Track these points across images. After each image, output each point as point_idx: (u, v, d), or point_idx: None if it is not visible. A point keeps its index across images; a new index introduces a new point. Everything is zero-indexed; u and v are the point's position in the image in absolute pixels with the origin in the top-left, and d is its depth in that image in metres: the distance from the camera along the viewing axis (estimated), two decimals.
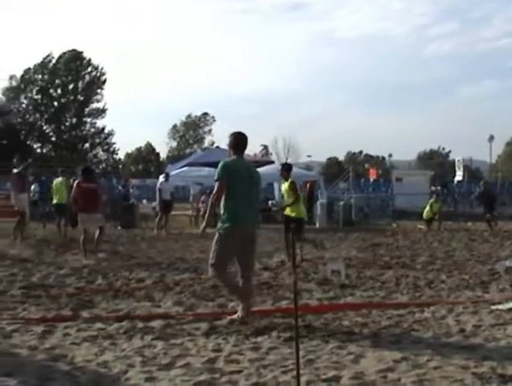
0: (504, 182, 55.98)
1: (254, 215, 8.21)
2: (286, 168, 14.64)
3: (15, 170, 18.78)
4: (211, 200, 8.10)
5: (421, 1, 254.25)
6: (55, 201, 20.93)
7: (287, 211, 14.17)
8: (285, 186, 14.26)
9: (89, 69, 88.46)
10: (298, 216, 13.97)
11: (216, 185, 7.93)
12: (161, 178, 26.26)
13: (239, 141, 8.21)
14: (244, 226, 7.95)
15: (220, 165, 7.99)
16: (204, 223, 8.80)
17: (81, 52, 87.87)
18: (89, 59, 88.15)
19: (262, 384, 5.45)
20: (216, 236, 7.99)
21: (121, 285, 10.69)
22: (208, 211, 8.46)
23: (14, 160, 19.86)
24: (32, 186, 26.81)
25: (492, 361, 6.07)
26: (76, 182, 15.22)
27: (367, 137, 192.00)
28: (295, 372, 5.25)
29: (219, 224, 8.00)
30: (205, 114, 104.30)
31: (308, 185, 30.76)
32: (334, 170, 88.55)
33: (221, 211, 8.00)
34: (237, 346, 6.70)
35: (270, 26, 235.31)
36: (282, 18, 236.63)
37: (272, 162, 44.53)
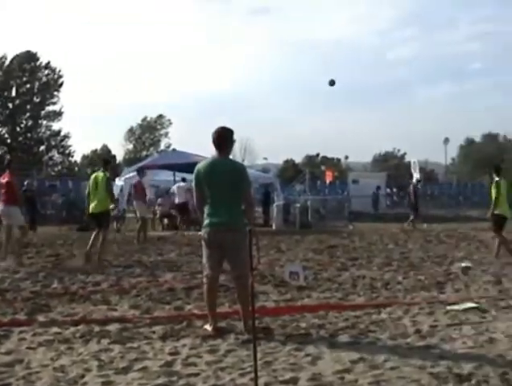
0: (459, 183, 56.93)
1: (228, 218, 7.38)
2: None
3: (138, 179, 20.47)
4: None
5: (385, 5, 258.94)
6: None
7: None
8: None
9: (46, 72, 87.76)
10: None
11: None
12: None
13: (214, 137, 7.47)
14: (212, 230, 7.39)
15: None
16: None
17: (35, 54, 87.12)
18: (48, 62, 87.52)
19: None
20: None
21: (77, 289, 10.59)
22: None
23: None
24: None
25: (448, 361, 6.13)
26: None
27: (324, 140, 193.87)
28: (252, 375, 5.24)
29: None
30: (161, 116, 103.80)
31: None
32: (291, 172, 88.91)
33: None
34: (194, 349, 6.67)
35: (231, 27, 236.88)
36: (246, 21, 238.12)
37: None
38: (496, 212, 15.10)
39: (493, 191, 15.20)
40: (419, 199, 30.46)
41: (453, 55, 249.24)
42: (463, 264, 12.71)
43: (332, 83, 21.33)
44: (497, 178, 15.38)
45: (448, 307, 8.82)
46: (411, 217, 28.32)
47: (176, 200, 25.63)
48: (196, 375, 5.75)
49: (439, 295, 10.03)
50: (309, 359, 6.26)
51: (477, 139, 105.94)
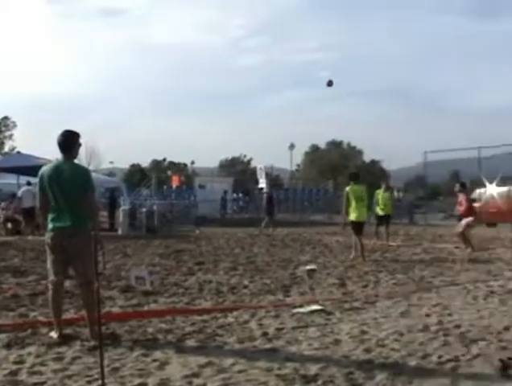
0: (304, 189, 58.28)
1: (72, 223, 7.21)
2: None
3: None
4: None
5: (237, 13, 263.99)
6: None
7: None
8: None
9: None
10: None
11: None
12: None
13: (59, 140, 7.33)
14: (56, 235, 7.26)
15: None
16: None
17: None
18: None
19: None
20: None
21: None
22: None
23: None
24: None
25: (294, 362, 6.24)
26: None
27: (171, 145, 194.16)
28: (100, 382, 5.18)
29: None
30: (5, 118, 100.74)
31: None
32: (137, 176, 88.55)
33: None
34: (39, 357, 6.47)
35: (80, 30, 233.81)
36: (97, 23, 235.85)
37: None
38: (350, 219, 16.07)
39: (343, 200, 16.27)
40: (274, 206, 31.24)
41: (301, 64, 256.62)
42: (308, 268, 12.98)
43: (330, 83, 21.53)
44: (346, 188, 16.31)
45: (294, 310, 8.98)
46: (266, 220, 28.84)
47: (24, 204, 24.98)
48: (42, 383, 5.60)
49: (285, 298, 10.20)
50: (157, 365, 6.21)
51: (322, 146, 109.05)
